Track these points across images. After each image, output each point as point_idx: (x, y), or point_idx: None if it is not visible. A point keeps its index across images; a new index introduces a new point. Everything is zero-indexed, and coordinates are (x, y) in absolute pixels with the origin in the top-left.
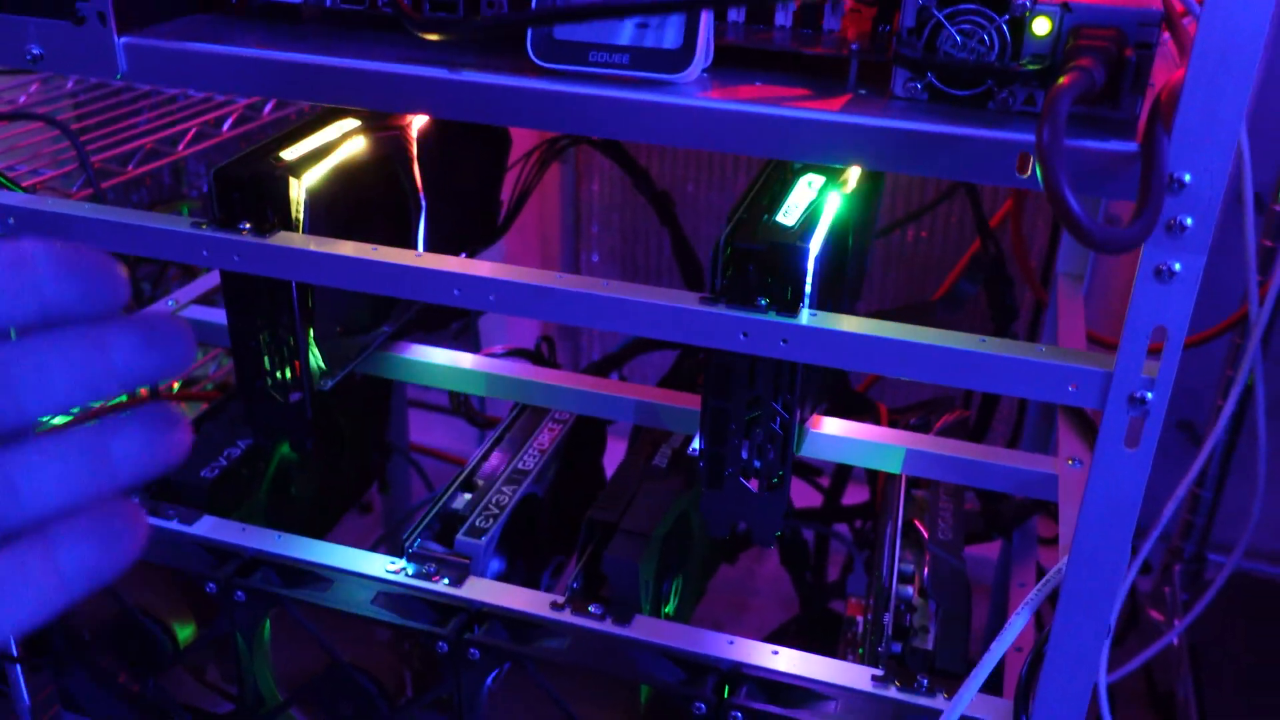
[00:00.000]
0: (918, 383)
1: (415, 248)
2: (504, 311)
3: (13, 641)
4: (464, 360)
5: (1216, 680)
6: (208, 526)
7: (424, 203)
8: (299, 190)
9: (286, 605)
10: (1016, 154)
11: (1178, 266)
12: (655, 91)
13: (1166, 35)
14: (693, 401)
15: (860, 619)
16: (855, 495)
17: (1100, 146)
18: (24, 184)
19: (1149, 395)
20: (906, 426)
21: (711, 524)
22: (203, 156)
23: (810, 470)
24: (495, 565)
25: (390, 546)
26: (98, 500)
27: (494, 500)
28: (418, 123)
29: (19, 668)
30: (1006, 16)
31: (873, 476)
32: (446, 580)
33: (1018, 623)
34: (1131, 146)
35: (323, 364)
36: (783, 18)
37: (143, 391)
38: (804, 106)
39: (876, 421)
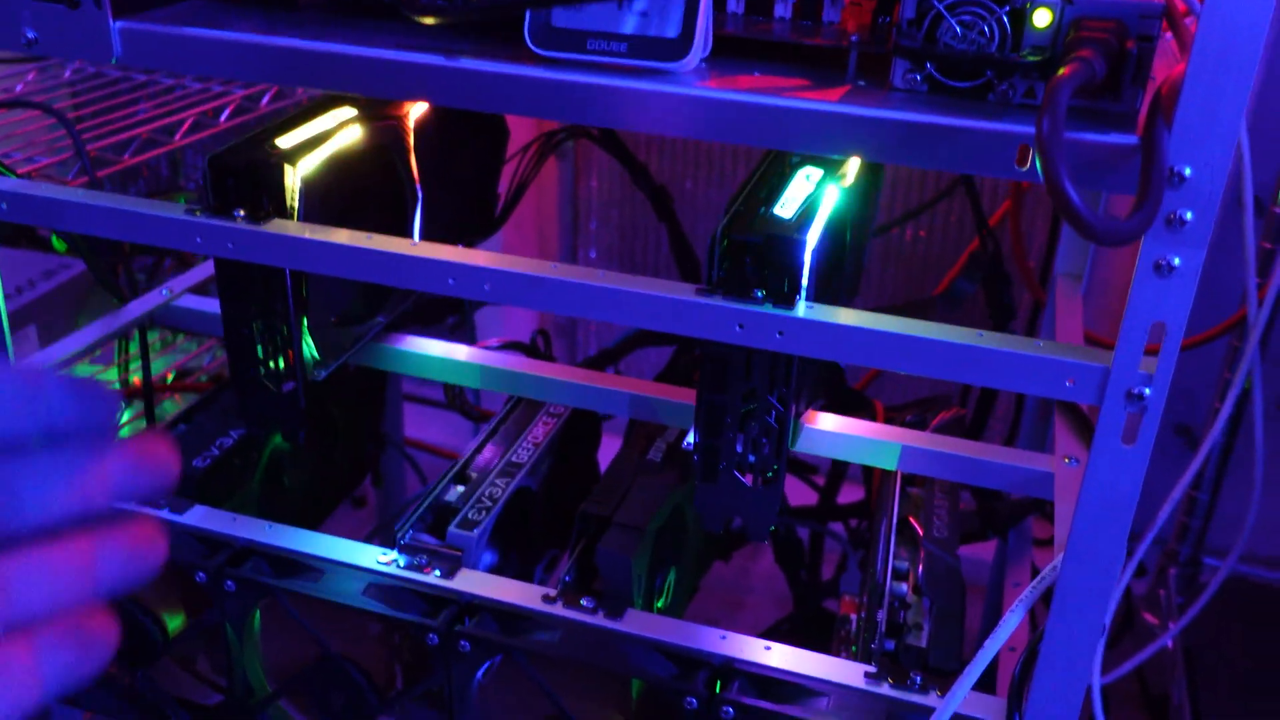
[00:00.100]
0: (914, 382)
1: (411, 238)
2: (499, 301)
3: None
4: (459, 352)
5: (1211, 684)
6: (199, 516)
7: (420, 193)
8: (294, 178)
9: (277, 596)
10: (1016, 146)
11: (1177, 261)
12: (653, 80)
13: (1169, 35)
14: (688, 395)
15: (854, 617)
16: (850, 495)
17: (1100, 139)
18: (19, 171)
19: (1147, 391)
20: (902, 424)
21: (706, 518)
22: (200, 147)
23: (805, 468)
24: (488, 558)
25: (383, 539)
26: (76, 607)
27: (487, 493)
28: (415, 112)
29: None
30: (1007, 8)
31: (868, 476)
32: (438, 572)
33: (1012, 620)
34: (1132, 139)
35: (316, 354)
36: (782, 9)
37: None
38: (803, 97)
39: (872, 419)
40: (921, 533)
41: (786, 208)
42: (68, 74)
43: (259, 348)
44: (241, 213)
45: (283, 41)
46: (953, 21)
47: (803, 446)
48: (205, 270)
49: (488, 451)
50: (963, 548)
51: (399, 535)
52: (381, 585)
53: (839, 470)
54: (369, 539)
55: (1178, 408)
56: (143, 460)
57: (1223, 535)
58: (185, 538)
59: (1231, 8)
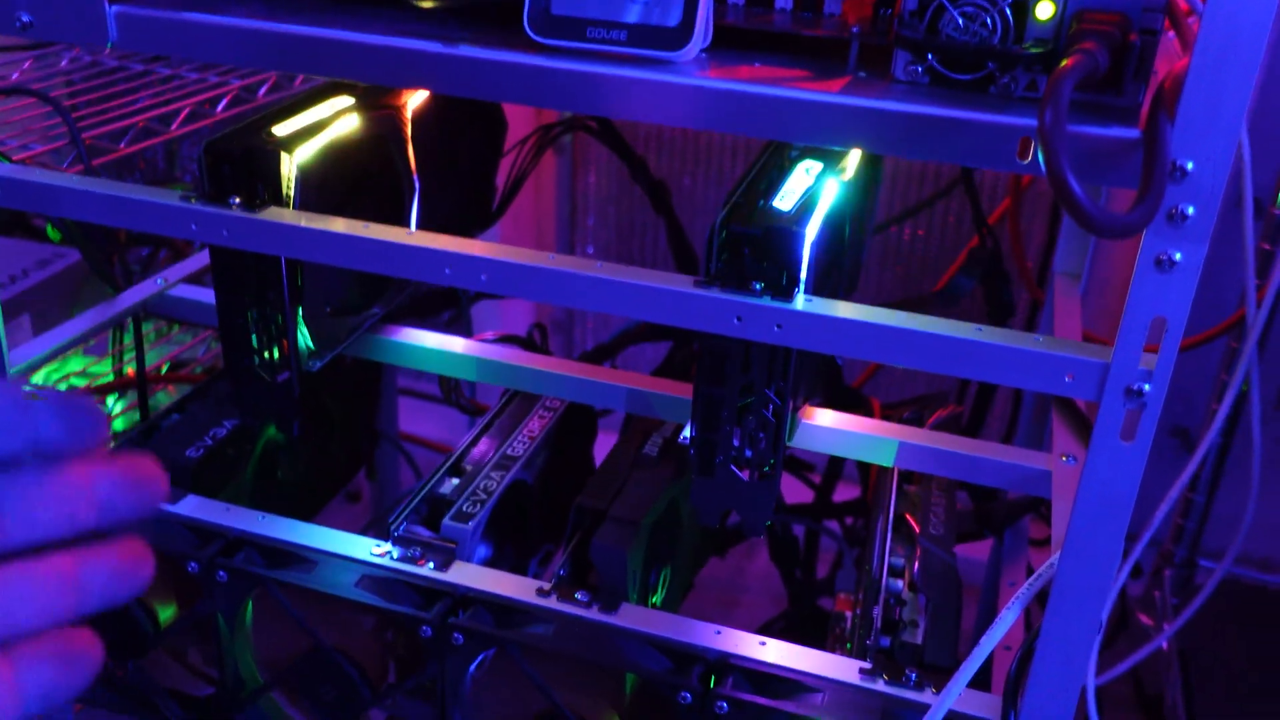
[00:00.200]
0: (910, 380)
1: (408, 229)
2: (496, 290)
3: None
4: (455, 344)
5: (1206, 686)
6: (191, 506)
7: (417, 184)
8: (290, 166)
9: (269, 587)
10: (1018, 139)
11: (1178, 256)
12: (653, 70)
13: (1170, 33)
14: (685, 390)
15: (849, 614)
16: (846, 494)
17: (1102, 133)
18: (14, 158)
19: (1146, 387)
20: (899, 421)
21: (702, 512)
22: (196, 138)
23: (801, 466)
24: (482, 551)
25: (377, 532)
26: (62, 624)
27: (482, 485)
28: (413, 102)
29: None
30: (1010, 0)
31: (864, 474)
32: (432, 564)
33: (1008, 616)
34: (1134, 133)
35: (311, 344)
36: (783, 0)
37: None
38: (803, 88)
39: (869, 416)
40: (918, 530)
41: (786, 200)
42: (64, 63)
43: (254, 337)
44: (237, 200)
45: (281, 27)
46: (955, 13)
47: (800, 442)
48: (200, 260)
49: (483, 444)
50: (958, 548)
51: (393, 527)
52: (375, 577)
53: (835, 467)
54: (364, 532)
55: (1173, 410)
56: (129, 478)
57: (1218, 537)
58: (177, 528)
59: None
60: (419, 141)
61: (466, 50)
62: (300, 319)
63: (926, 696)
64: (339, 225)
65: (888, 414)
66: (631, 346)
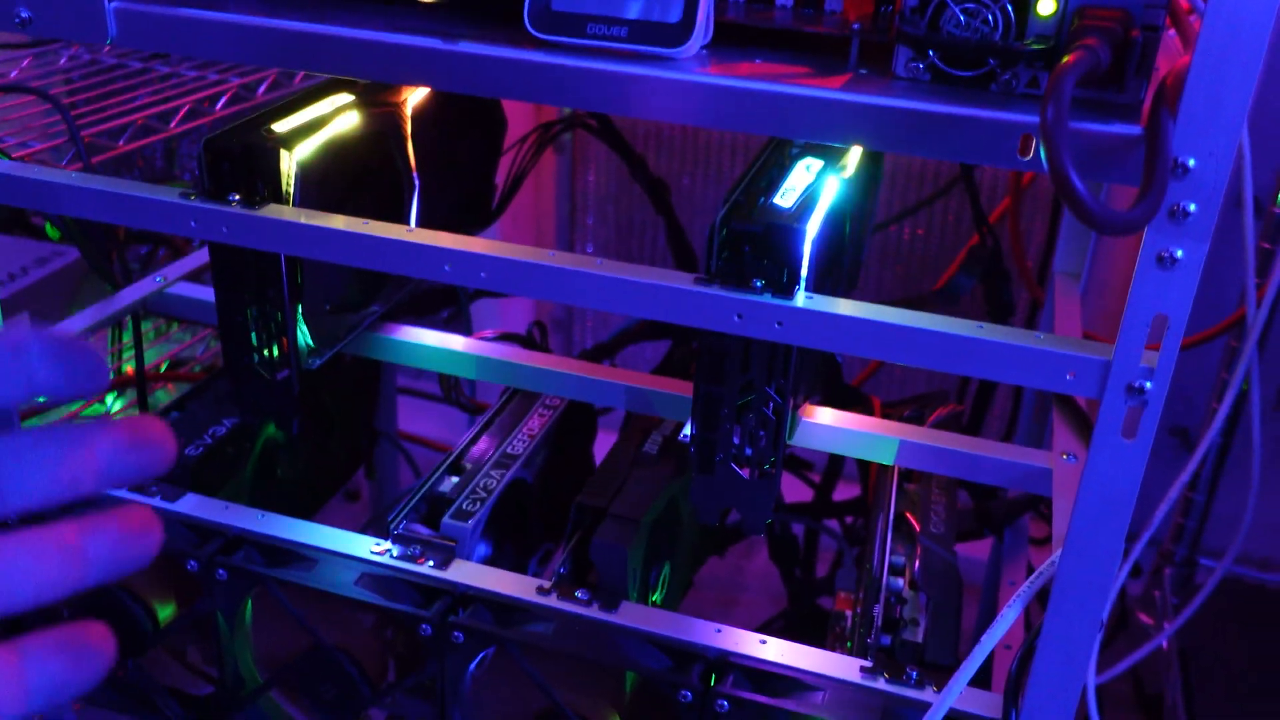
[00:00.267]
0: (910, 379)
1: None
2: (495, 288)
3: None
4: (455, 342)
5: (1206, 685)
6: (191, 504)
7: (417, 181)
8: (290, 163)
9: (269, 585)
10: (1019, 135)
11: (1180, 253)
12: (653, 66)
13: (1171, 31)
14: (685, 388)
15: (849, 613)
16: (846, 493)
17: (1104, 129)
18: (13, 156)
19: (1148, 385)
20: (899, 420)
21: (702, 510)
22: (196, 135)
23: (801, 464)
24: (482, 550)
25: (376, 530)
26: (66, 597)
27: (482, 484)
28: (413, 100)
29: None
30: None
31: (864, 473)
32: (431, 563)
33: (1009, 615)
34: (1136, 130)
35: (310, 341)
36: None
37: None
38: (804, 84)
39: (869, 415)
40: (918, 528)
41: (786, 198)
42: (63, 61)
43: (253, 335)
44: (237, 197)
45: (280, 24)
46: (956, 9)
47: (800, 441)
48: (200, 258)
49: (483, 443)
50: (958, 546)
51: (392, 525)
52: (374, 575)
53: (835, 466)
54: (363, 531)
55: (1173, 409)
56: (135, 441)
57: (1218, 536)
58: (177, 526)
59: None
60: (419, 139)
61: (467, 47)
62: (300, 317)
63: (927, 695)
64: (338, 222)
65: (888, 412)
66: (631, 345)
